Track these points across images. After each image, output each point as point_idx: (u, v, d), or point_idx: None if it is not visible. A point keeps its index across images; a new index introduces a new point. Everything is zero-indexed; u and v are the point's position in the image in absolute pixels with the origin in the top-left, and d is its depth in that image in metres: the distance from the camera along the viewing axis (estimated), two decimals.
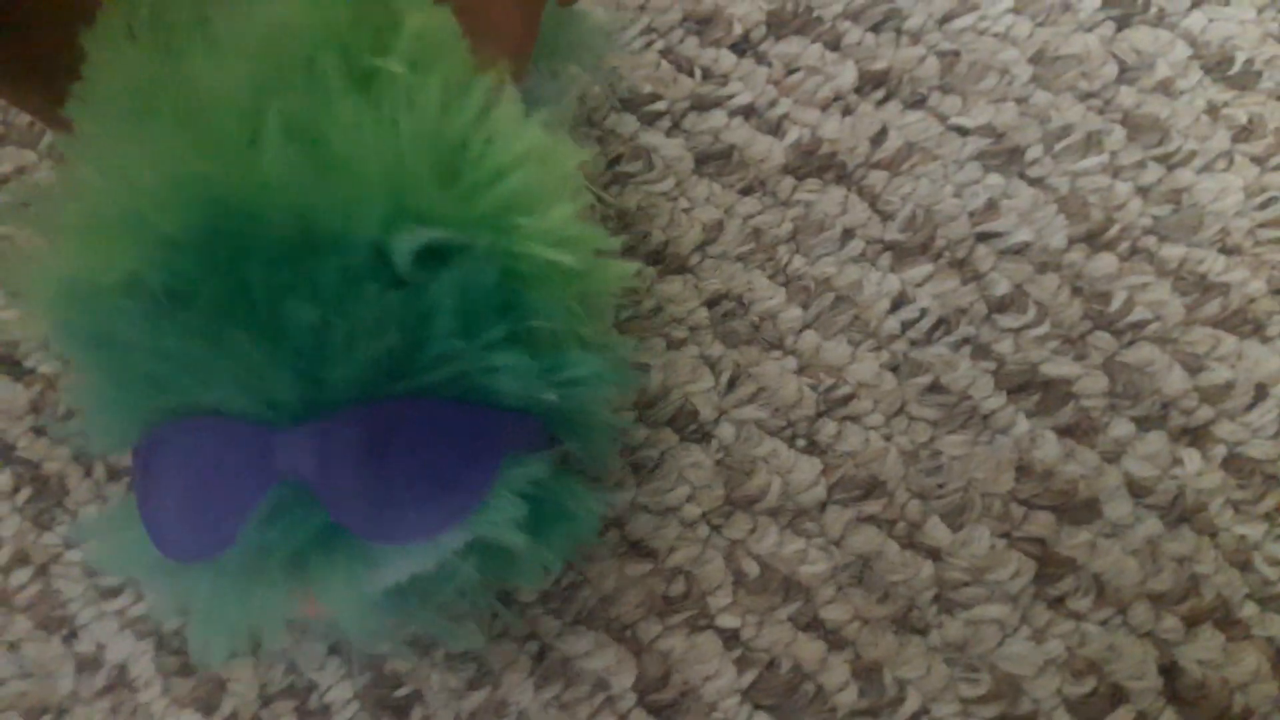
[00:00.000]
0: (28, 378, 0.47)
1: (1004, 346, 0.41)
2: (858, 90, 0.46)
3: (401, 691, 0.40)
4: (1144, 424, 0.39)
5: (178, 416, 0.30)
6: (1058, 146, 0.43)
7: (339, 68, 0.29)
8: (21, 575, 0.45)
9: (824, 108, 0.46)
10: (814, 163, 0.45)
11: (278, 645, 0.35)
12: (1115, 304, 0.41)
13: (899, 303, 0.42)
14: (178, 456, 0.30)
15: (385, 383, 0.29)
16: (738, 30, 0.48)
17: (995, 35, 0.46)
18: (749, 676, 0.38)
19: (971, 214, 0.43)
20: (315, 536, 0.29)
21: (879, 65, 0.46)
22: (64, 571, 0.44)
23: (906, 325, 0.42)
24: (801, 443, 0.41)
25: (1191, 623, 0.37)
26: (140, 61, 0.30)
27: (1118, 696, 0.36)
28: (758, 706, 0.38)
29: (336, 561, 0.29)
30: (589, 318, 0.33)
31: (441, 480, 0.30)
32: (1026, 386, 0.40)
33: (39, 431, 0.47)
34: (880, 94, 0.46)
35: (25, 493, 0.46)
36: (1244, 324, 0.40)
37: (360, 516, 0.29)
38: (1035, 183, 0.43)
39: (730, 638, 0.39)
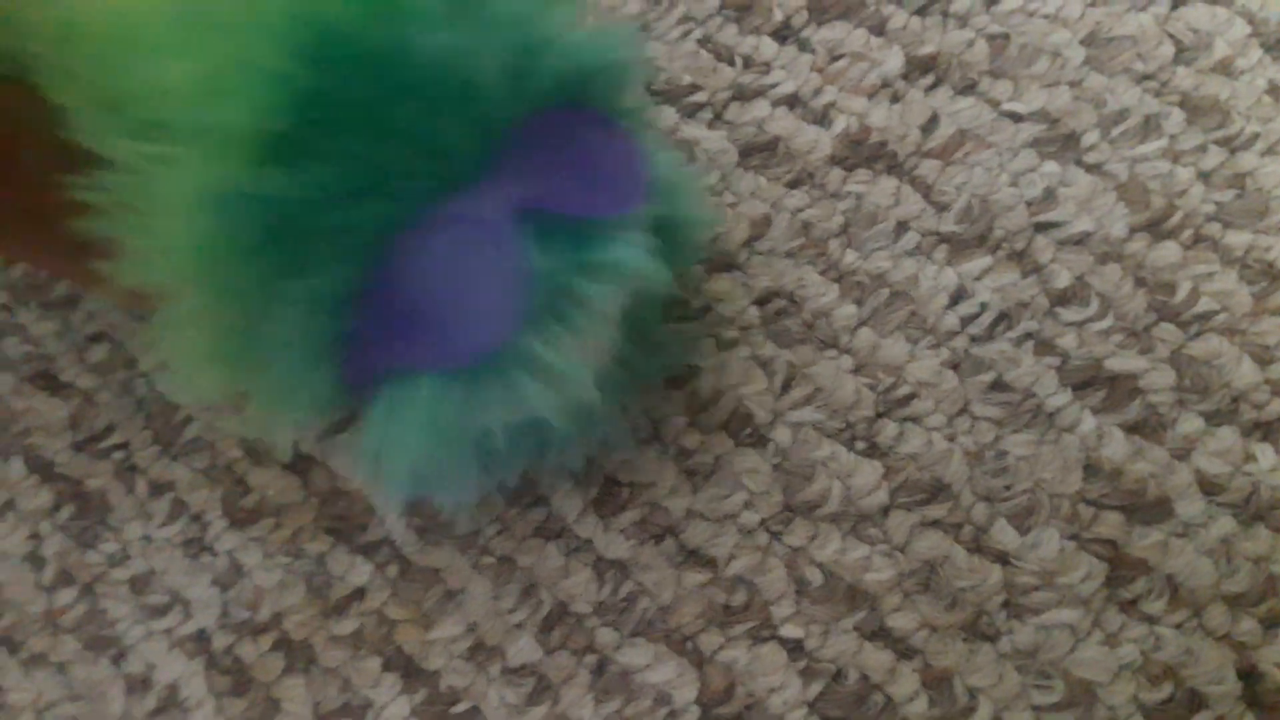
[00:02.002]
0: (65, 392, 0.48)
1: (1067, 341, 0.40)
2: (905, 76, 0.46)
3: (459, 707, 0.41)
4: (1214, 419, 0.39)
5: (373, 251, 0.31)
6: (1115, 131, 0.43)
7: None
8: (67, 595, 0.45)
9: (871, 95, 0.46)
10: (863, 152, 0.45)
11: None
12: (1180, 294, 0.40)
13: (957, 297, 0.42)
14: (416, 275, 0.31)
15: (521, 99, 0.31)
16: (778, 16, 0.48)
17: (1045, 17, 0.46)
18: (815, 688, 0.38)
19: (1029, 203, 0.43)
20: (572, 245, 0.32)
21: (926, 50, 0.46)
22: (110, 590, 0.45)
23: (966, 321, 0.41)
24: (861, 445, 0.41)
25: (1270, 624, 0.37)
26: None
27: (1195, 702, 0.37)
28: (825, 718, 0.38)
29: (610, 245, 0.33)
30: None
31: (614, 154, 0.34)
32: (1092, 382, 0.40)
33: (79, 447, 0.47)
34: (929, 80, 0.46)
35: (67, 510, 0.46)
36: None
37: (587, 200, 0.33)
38: (1093, 169, 0.43)
39: (794, 648, 0.39)
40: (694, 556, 0.41)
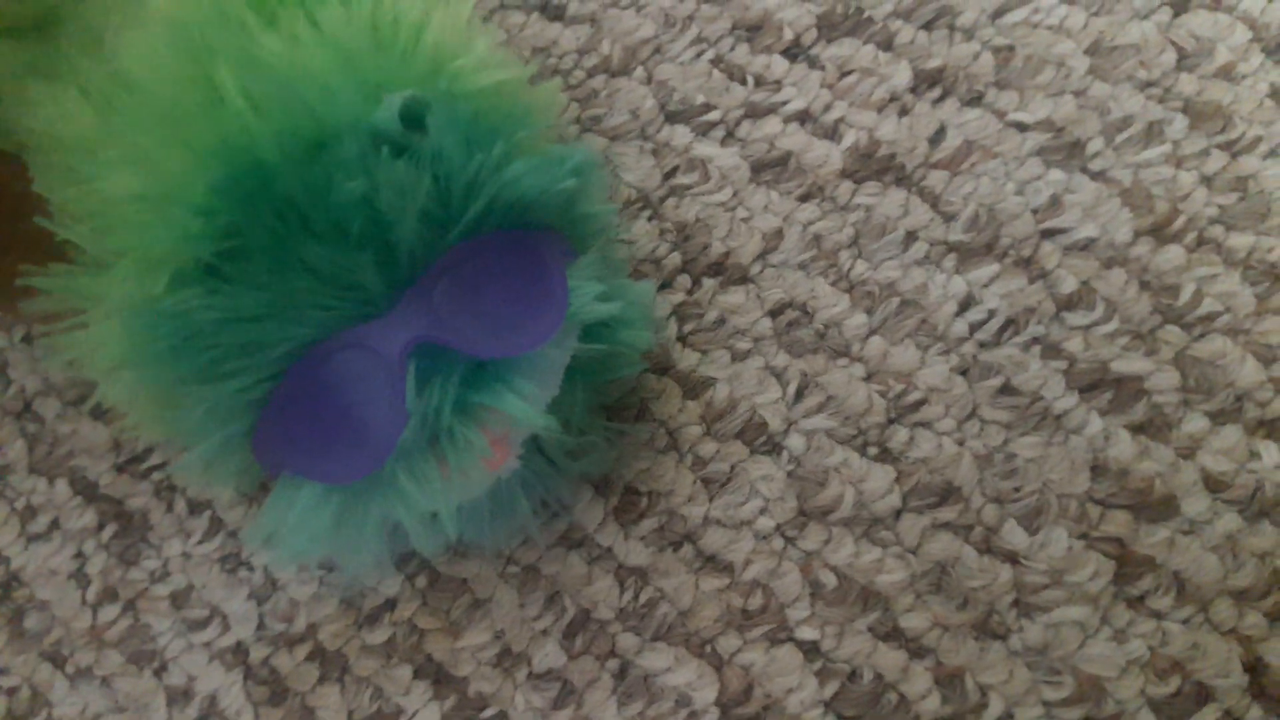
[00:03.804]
0: (108, 415, 0.49)
1: (1074, 345, 0.41)
2: (913, 90, 0.47)
3: (487, 713, 0.42)
4: (1218, 418, 0.40)
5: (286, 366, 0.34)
6: (1119, 138, 0.44)
7: (244, 13, 0.33)
8: (110, 611, 0.47)
9: (880, 109, 0.47)
10: (872, 165, 0.46)
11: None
12: (1184, 297, 0.41)
13: (966, 304, 0.43)
14: (312, 391, 0.34)
15: (442, 235, 0.33)
16: (788, 35, 0.49)
17: (1049, 28, 0.47)
18: (831, 688, 0.39)
19: (1035, 211, 0.43)
20: (461, 385, 0.34)
21: (933, 64, 0.47)
22: (152, 606, 0.46)
23: (974, 327, 0.42)
24: (873, 451, 0.42)
25: (1276, 618, 0.37)
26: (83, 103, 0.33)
27: (1203, 695, 0.37)
28: (841, 717, 0.39)
29: (495, 392, 0.34)
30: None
31: (533, 289, 0.35)
32: (1098, 385, 0.41)
33: (120, 469, 0.49)
34: (936, 93, 0.47)
35: (110, 529, 0.48)
36: None
37: (488, 340, 0.34)
38: (1098, 176, 0.44)
39: (810, 649, 0.40)
40: (711, 562, 0.42)
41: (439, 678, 0.43)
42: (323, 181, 0.31)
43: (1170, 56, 0.45)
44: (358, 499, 0.35)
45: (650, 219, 0.48)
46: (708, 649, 0.41)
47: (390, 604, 0.44)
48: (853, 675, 0.39)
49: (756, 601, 0.41)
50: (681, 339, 0.46)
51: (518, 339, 0.34)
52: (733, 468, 0.43)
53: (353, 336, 0.33)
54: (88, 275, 0.33)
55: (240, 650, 0.45)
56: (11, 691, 0.46)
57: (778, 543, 0.41)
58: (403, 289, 0.33)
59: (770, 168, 0.47)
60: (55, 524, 0.48)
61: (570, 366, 0.35)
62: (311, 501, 0.35)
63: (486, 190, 0.33)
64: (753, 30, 0.50)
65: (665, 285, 0.47)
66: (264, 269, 0.32)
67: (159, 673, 0.45)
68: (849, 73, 0.48)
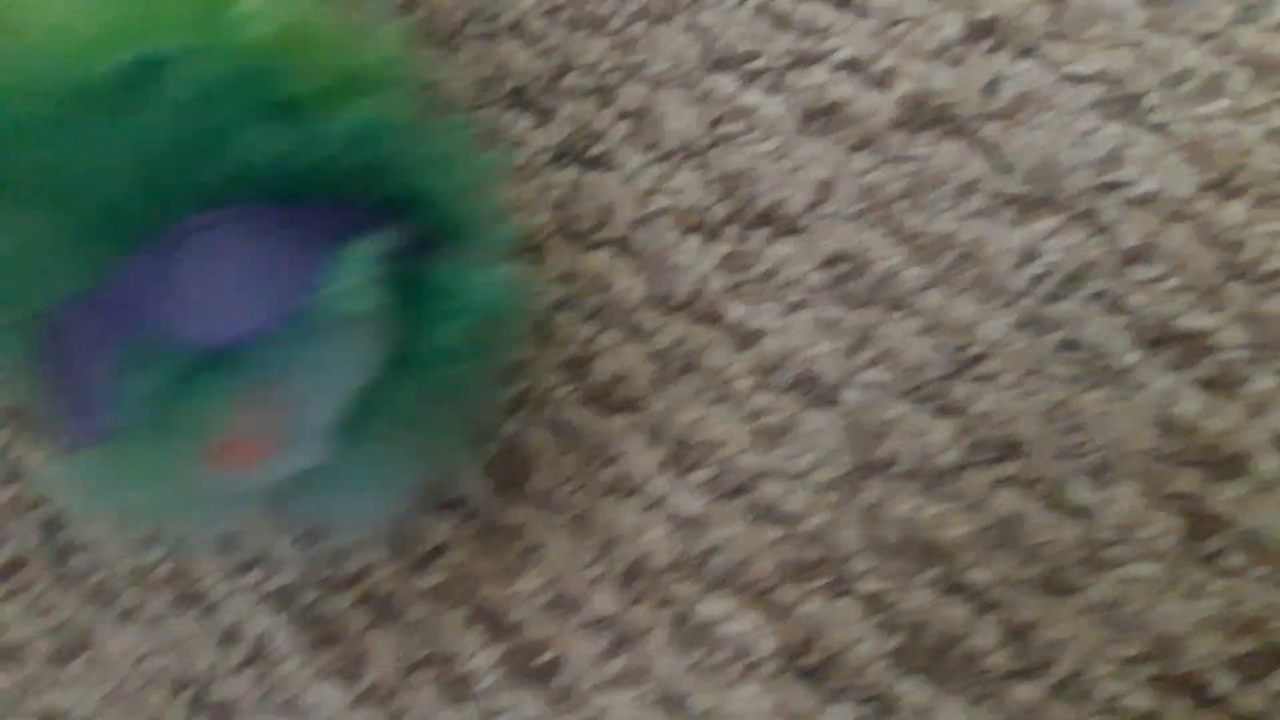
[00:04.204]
0: None
1: (1137, 300, 0.38)
2: (965, 40, 0.43)
3: (543, 658, 0.39)
4: None
5: None
6: (1178, 92, 0.41)
7: None
8: (156, 553, 0.43)
9: (931, 59, 0.43)
10: (925, 116, 0.43)
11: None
12: (1249, 253, 0.38)
13: (1026, 258, 0.40)
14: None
15: (171, 206, 0.29)
16: None
17: None
18: (895, 641, 0.37)
19: (1094, 164, 0.40)
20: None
21: (985, 14, 0.44)
22: (197, 548, 0.43)
23: (1035, 281, 0.39)
24: (933, 405, 0.39)
25: None
26: None
27: None
28: (907, 670, 0.36)
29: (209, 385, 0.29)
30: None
31: (273, 270, 0.29)
32: (1163, 340, 0.38)
33: None
34: (989, 43, 0.43)
35: None
36: None
37: (204, 322, 0.29)
38: (1157, 130, 0.40)
39: (872, 602, 0.37)
40: (768, 514, 0.39)
41: (492, 623, 0.40)
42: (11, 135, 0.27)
43: (1230, 9, 0.41)
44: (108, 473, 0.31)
45: (696, 169, 0.44)
46: (766, 600, 0.38)
47: (441, 549, 0.41)
48: (917, 629, 0.36)
49: (815, 554, 0.38)
50: (730, 290, 0.42)
51: (234, 324, 0.29)
52: (788, 419, 0.39)
53: (65, 310, 0.29)
54: None
55: (288, 593, 0.42)
56: (57, 629, 0.43)
57: (835, 496, 0.38)
58: (118, 260, 0.29)
59: (819, 117, 0.44)
60: None
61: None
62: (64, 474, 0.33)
63: (230, 157, 0.28)
64: None
65: (713, 236, 0.43)
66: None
67: (206, 614, 0.42)
68: (898, 22, 0.44)
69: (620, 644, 0.39)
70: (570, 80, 0.48)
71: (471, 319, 0.32)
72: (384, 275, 0.29)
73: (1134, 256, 0.40)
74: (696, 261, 0.44)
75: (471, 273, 0.32)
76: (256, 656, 0.42)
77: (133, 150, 0.28)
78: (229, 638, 0.43)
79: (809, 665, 0.38)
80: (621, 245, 0.45)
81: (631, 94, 0.47)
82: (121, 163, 0.28)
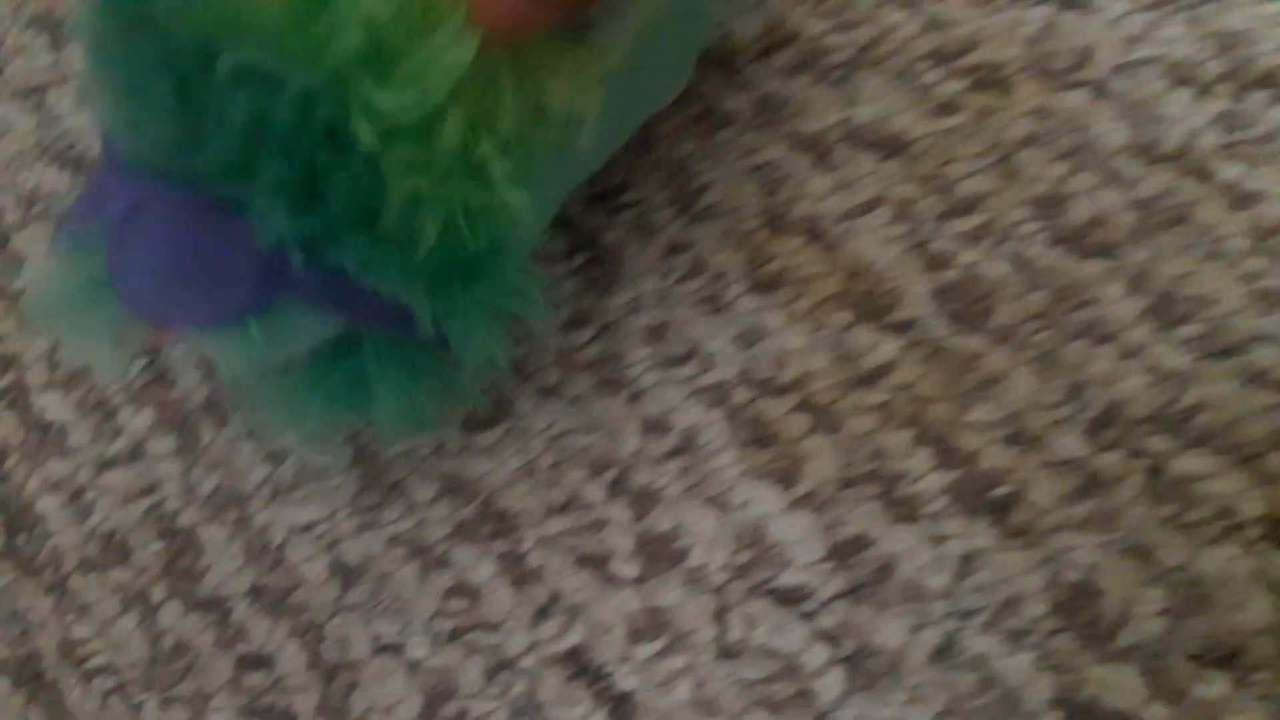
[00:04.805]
0: None
1: None
2: None
3: (999, 491, 0.38)
4: None
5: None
6: None
7: None
8: (583, 334, 0.44)
9: None
10: None
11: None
12: None
13: None
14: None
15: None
16: None
17: None
18: None
19: None
20: None
21: None
22: (627, 335, 0.44)
23: None
24: None
25: None
26: None
27: None
28: None
29: None
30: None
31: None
32: None
33: (591, 201, 0.45)
34: None
35: (581, 257, 0.45)
36: None
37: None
38: None
39: None
40: (1262, 377, 0.38)
41: (942, 448, 0.39)
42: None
43: None
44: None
45: (1188, 22, 0.43)
46: (1254, 464, 0.36)
47: (887, 368, 0.41)
48: None
49: None
50: (1225, 148, 0.40)
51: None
52: None
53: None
54: None
55: (722, 390, 0.42)
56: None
57: None
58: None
59: None
60: None
61: None
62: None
63: None
64: None
65: (1203, 93, 0.41)
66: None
67: (632, 401, 0.43)
68: None
69: (1088, 488, 0.39)
70: None
71: None
72: None
73: None
74: (1186, 115, 0.43)
75: None
76: (686, 447, 0.43)
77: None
78: (656, 426, 0.43)
79: None
80: (1100, 88, 0.44)
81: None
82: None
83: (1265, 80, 0.41)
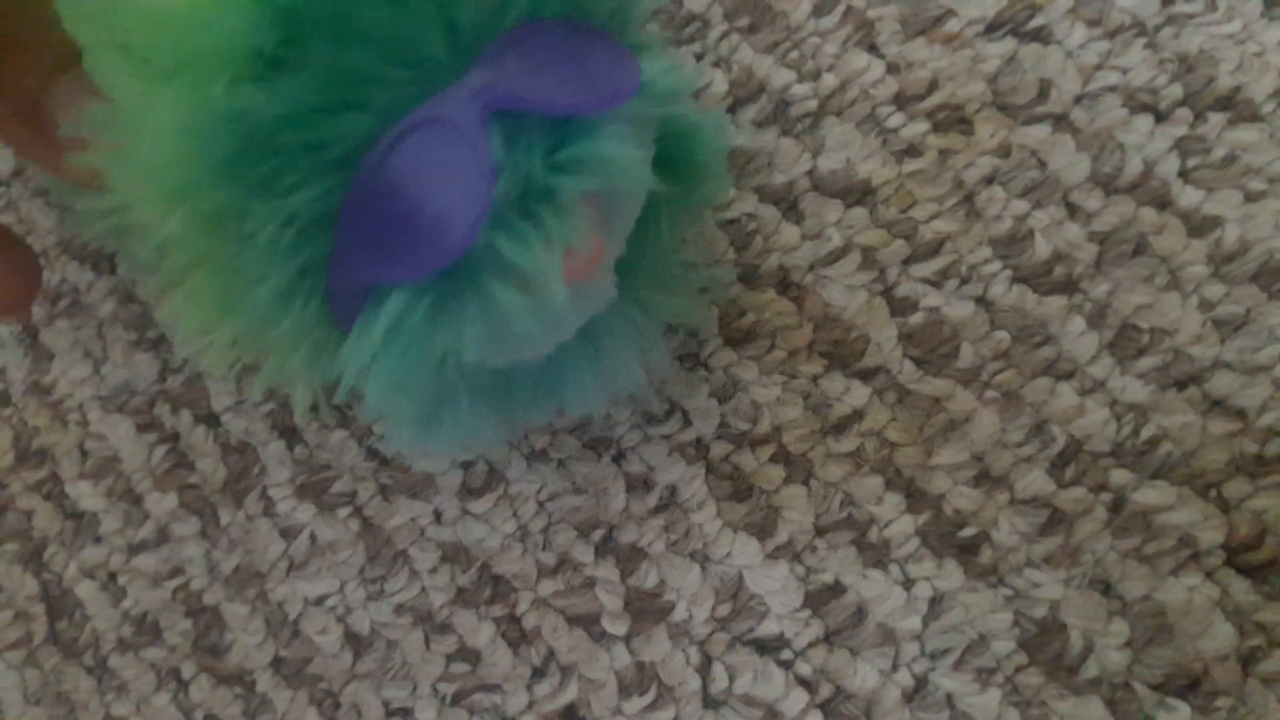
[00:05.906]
0: None
1: None
2: None
3: (967, 531, 0.41)
4: None
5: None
6: None
7: None
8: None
9: None
10: None
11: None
12: None
13: None
14: (383, 190, 0.30)
15: (502, 14, 0.30)
16: None
17: None
18: None
19: None
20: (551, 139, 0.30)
21: None
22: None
23: None
24: None
25: None
26: None
27: None
28: None
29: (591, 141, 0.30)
30: None
31: (605, 56, 0.31)
32: None
33: None
34: None
35: None
36: None
37: (570, 95, 0.30)
38: None
39: None
40: (1220, 406, 0.40)
41: (911, 492, 0.42)
42: None
43: None
44: (452, 298, 0.31)
45: (1146, 47, 0.45)
46: (1214, 492, 0.39)
47: (857, 415, 0.43)
48: None
49: (1273, 449, 0.38)
50: (1183, 174, 0.43)
51: (601, 93, 0.30)
52: (1248, 311, 0.40)
53: (421, 113, 0.29)
54: (139, 99, 0.28)
55: (701, 446, 0.45)
56: (468, 465, 0.48)
57: None
58: (467, 61, 0.29)
59: None
60: None
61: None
62: (400, 305, 0.31)
63: None
64: None
65: (1162, 118, 0.43)
66: (322, 45, 0.27)
67: (617, 460, 0.46)
68: None
69: (1053, 524, 0.41)
70: None
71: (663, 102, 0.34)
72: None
73: None
74: (1146, 142, 0.45)
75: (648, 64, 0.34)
76: (669, 504, 0.46)
77: None
78: (640, 484, 0.46)
79: (1257, 561, 0.39)
80: (1061, 120, 0.46)
81: None
82: None
83: (1224, 102, 0.43)
